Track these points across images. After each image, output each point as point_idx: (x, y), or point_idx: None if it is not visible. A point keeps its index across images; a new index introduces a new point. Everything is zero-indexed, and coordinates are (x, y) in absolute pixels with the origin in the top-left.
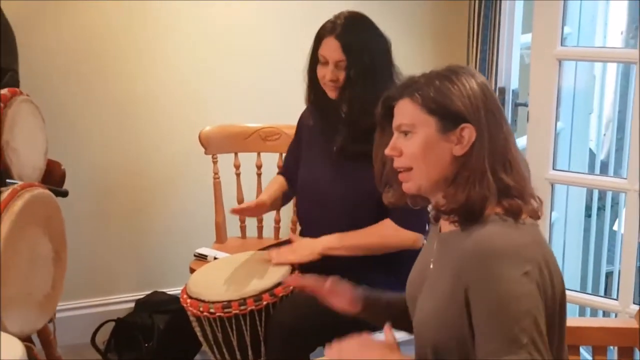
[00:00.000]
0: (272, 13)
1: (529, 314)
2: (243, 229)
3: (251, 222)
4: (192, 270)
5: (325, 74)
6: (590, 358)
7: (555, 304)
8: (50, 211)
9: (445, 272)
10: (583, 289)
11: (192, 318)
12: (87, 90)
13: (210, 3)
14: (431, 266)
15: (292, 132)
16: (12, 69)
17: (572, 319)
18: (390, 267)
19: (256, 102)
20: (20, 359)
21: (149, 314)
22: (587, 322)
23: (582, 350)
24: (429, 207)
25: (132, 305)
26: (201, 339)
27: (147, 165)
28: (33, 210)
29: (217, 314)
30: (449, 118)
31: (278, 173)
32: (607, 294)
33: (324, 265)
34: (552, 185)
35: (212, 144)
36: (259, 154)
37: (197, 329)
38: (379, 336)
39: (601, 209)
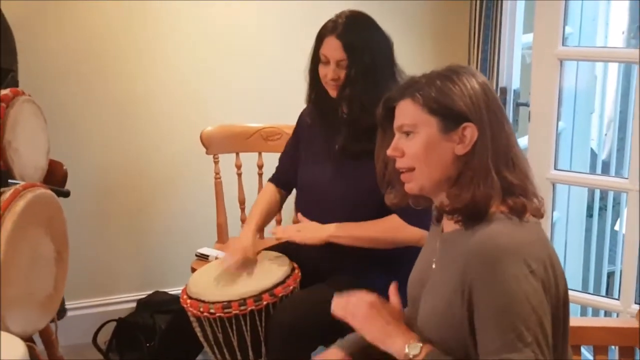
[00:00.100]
0: (272, 13)
1: (534, 312)
2: None
3: None
4: (193, 270)
5: (326, 73)
6: (592, 358)
7: (559, 303)
8: (52, 211)
9: (449, 271)
10: (585, 289)
11: (192, 318)
12: (87, 90)
13: (210, 3)
14: (434, 266)
15: None
16: (13, 70)
17: (574, 319)
18: (390, 267)
19: (256, 102)
20: (22, 359)
21: (150, 314)
22: (589, 321)
23: (583, 349)
24: (432, 207)
25: (134, 305)
26: (202, 339)
27: (147, 165)
28: (35, 210)
29: (217, 314)
30: (450, 118)
31: (269, 180)
32: (608, 294)
33: (324, 265)
34: (554, 185)
35: (213, 144)
36: (260, 154)
37: (198, 330)
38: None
39: (603, 208)
